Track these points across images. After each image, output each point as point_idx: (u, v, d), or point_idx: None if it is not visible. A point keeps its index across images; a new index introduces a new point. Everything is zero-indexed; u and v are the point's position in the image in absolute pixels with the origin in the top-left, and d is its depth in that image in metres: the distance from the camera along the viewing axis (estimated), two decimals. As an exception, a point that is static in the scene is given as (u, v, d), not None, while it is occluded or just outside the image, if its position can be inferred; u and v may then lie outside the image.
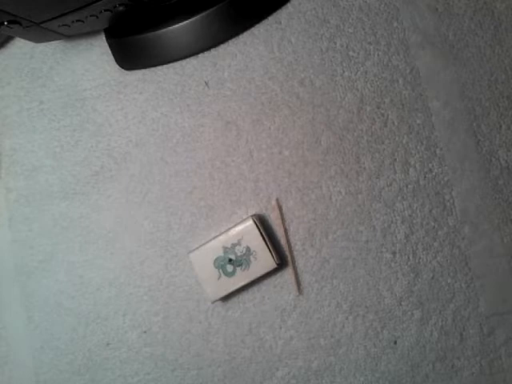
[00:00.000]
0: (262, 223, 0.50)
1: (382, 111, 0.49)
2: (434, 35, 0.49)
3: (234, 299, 0.51)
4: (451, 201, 0.48)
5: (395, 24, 0.50)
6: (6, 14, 0.38)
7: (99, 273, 0.53)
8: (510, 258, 0.48)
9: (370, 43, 0.50)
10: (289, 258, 0.50)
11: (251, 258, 0.47)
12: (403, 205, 0.49)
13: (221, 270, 0.48)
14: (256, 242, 0.47)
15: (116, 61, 0.53)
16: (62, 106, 0.55)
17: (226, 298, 0.50)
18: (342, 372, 0.49)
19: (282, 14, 0.51)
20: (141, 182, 0.53)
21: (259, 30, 0.51)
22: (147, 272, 0.52)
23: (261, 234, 0.47)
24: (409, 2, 0.49)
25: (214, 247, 0.48)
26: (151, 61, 0.53)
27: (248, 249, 0.47)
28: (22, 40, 0.53)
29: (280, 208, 0.50)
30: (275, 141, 0.51)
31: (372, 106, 0.50)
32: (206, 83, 0.52)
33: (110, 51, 0.53)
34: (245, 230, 0.48)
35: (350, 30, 0.50)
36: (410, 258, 0.49)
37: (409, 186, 0.49)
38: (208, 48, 0.52)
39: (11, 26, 0.40)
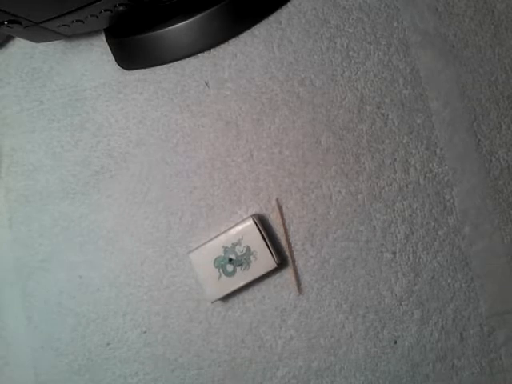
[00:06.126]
0: (262, 223, 0.50)
1: (382, 111, 0.49)
2: (434, 35, 0.49)
3: (234, 299, 0.51)
4: (451, 201, 0.48)
5: (395, 24, 0.50)
6: (6, 13, 0.38)
7: (99, 273, 0.53)
8: (510, 258, 0.48)
9: (370, 43, 0.50)
10: (289, 258, 0.50)
11: (251, 258, 0.47)
12: (403, 205, 0.49)
13: (221, 270, 0.48)
14: (256, 241, 0.47)
15: (116, 61, 0.53)
16: (62, 106, 0.55)
17: (226, 298, 0.50)
18: (342, 372, 0.49)
19: (282, 14, 0.51)
20: (141, 182, 0.53)
21: (259, 30, 0.51)
22: (147, 272, 0.52)
23: (261, 233, 0.47)
24: (409, 1, 0.49)
25: (214, 247, 0.48)
26: (151, 61, 0.52)
27: (248, 249, 0.47)
28: (22, 40, 0.53)
29: (280, 208, 0.50)
30: (275, 141, 0.51)
31: (372, 106, 0.50)
32: (206, 83, 0.52)
33: (110, 51, 0.53)
34: (245, 230, 0.48)
35: (350, 30, 0.50)
36: (410, 257, 0.49)
37: (409, 186, 0.49)
38: (208, 48, 0.52)
39: (11, 25, 0.41)
